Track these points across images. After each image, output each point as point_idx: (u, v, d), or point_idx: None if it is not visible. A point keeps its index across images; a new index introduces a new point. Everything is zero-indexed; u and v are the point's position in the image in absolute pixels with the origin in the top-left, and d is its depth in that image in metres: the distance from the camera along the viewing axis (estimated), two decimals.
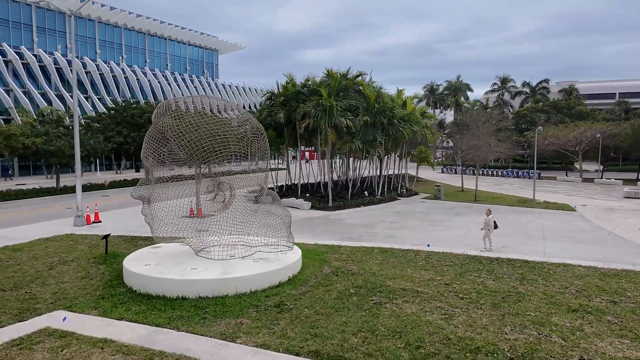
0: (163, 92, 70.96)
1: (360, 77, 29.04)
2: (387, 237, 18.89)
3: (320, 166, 33.69)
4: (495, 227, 17.32)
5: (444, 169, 62.21)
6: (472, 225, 21.03)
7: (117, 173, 58.25)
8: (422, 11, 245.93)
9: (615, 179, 45.53)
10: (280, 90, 29.80)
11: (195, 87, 78.17)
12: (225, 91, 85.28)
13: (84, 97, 60.20)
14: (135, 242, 17.52)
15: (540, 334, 9.10)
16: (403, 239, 18.58)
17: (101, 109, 55.12)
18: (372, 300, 11.02)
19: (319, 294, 11.44)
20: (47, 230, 19.84)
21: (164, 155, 12.60)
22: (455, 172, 61.38)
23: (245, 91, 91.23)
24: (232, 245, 13.67)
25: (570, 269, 13.72)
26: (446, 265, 14.13)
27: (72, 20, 23.34)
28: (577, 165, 62.53)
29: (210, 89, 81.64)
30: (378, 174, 32.69)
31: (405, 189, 33.17)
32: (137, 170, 61.40)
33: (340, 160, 37.66)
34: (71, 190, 35.86)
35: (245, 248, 13.62)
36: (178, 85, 74.88)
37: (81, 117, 51.27)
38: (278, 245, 13.94)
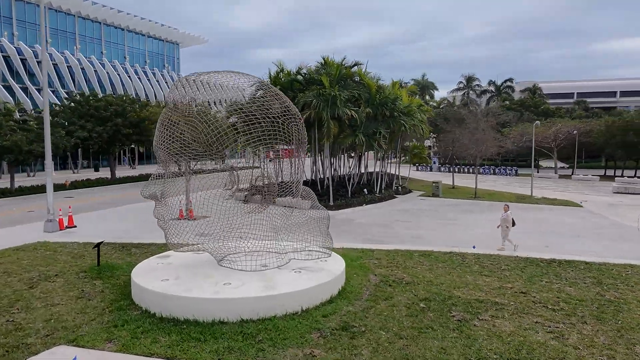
0: (123, 85, 66.24)
1: (356, 67, 27.18)
2: (413, 237, 17.18)
3: (314, 163, 31.60)
4: (513, 224, 16.00)
5: (419, 167, 61.60)
6: (492, 224, 19.64)
7: (74, 172, 53.52)
8: (377, 13, 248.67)
9: (592, 175, 46.24)
10: (271, 80, 27.43)
11: (157, 80, 73.72)
12: (190, 86, 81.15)
13: (36, 90, 54.93)
14: (128, 250, 14.83)
15: None
16: (430, 239, 16.92)
17: (55, 101, 50.28)
18: (453, 316, 9.18)
19: (384, 311, 9.47)
20: (13, 239, 16.63)
21: (185, 143, 10.17)
22: (431, 170, 60.94)
23: (210, 87, 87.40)
24: (261, 252, 11.40)
25: None
26: (503, 269, 12.52)
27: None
28: (542, 163, 63.94)
29: (174, 83, 77.35)
30: (376, 171, 31.02)
31: (401, 187, 31.69)
32: (97, 170, 56.77)
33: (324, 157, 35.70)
34: (29, 191, 31.89)
35: (279, 255, 11.39)
36: (139, 78, 70.27)
37: (33, 110, 46.46)
38: (314, 251, 11.85)
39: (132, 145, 53.03)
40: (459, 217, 21.86)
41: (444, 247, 15.17)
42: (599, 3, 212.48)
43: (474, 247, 14.81)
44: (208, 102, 11.57)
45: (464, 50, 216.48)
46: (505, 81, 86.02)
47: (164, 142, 10.50)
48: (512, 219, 16.07)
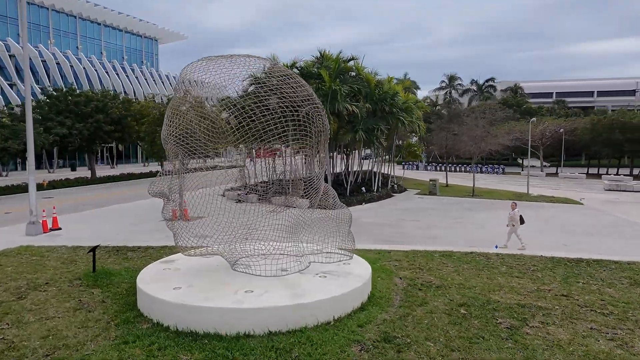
0: (100, 81, 63.79)
1: (352, 61, 26.31)
2: (428, 238, 16.47)
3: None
4: (522, 222, 15.49)
5: (405, 165, 61.28)
6: (501, 222, 19.09)
7: (50, 172, 51.14)
8: (352, 13, 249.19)
9: (578, 173, 46.65)
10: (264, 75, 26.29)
11: (136, 77, 71.36)
12: (170, 82, 78.94)
13: (8, 85, 52.25)
14: (124, 255, 13.61)
15: None
16: (444, 239, 16.23)
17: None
18: (499, 323, 8.41)
19: (423, 318, 8.63)
20: None
21: (199, 134, 9.12)
22: (417, 168, 60.72)
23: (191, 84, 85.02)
24: (278, 254, 10.41)
25: None
26: (533, 270, 11.85)
27: None
28: (522, 161, 64.52)
29: (154, 80, 75.10)
30: (372, 169, 30.23)
31: (397, 185, 31.01)
32: (74, 169, 54.45)
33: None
34: (3, 192, 29.94)
35: (298, 258, 10.41)
36: (117, 74, 67.85)
37: (5, 107, 44.01)
38: (335, 253, 10.94)
39: (112, 144, 51.05)
40: (464, 215, 21.26)
41: (462, 246, 14.48)
42: (566, 8, 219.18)
43: (496, 246, 14.13)
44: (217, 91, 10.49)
45: (438, 52, 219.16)
46: (487, 80, 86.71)
47: (173, 134, 9.41)
48: (521, 217, 15.56)
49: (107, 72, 66.14)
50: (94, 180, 36.37)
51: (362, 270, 10.26)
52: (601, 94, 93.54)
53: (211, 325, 7.90)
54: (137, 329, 8.17)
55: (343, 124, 23.43)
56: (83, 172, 48.49)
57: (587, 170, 53.67)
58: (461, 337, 7.79)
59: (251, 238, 9.79)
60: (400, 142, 34.53)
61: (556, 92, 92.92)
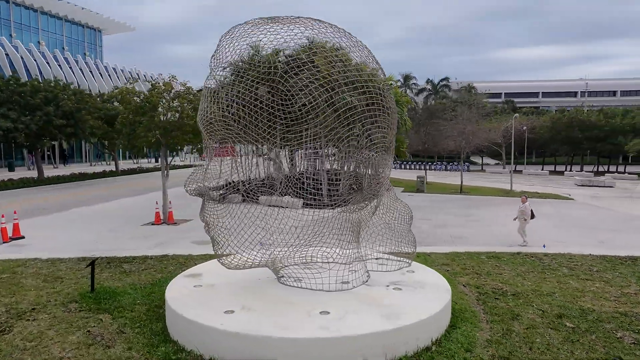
0: (40, 71, 57.90)
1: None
2: (454, 237, 15.22)
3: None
4: (532, 216, 14.77)
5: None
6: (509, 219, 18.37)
7: None
8: (296, 13, 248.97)
9: (541, 170, 47.93)
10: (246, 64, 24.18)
11: (80, 68, 65.66)
12: (117, 76, 73.55)
13: None
14: (119, 267, 11.23)
15: None
16: (471, 238, 15.12)
17: None
18: (622, 338, 7.21)
19: (530, 335, 7.27)
20: None
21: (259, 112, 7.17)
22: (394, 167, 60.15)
23: (140, 77, 79.32)
24: (329, 262, 8.60)
25: None
26: (596, 271, 10.89)
27: None
28: (473, 159, 65.85)
29: (100, 72, 69.60)
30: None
31: None
32: (11, 169, 48.87)
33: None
34: None
35: (357, 267, 8.68)
36: (60, 65, 62.01)
37: None
38: (393, 259, 9.38)
39: (57, 142, 46.29)
40: (469, 213, 20.35)
41: (498, 246, 13.38)
42: (496, 17, 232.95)
43: (544, 246, 13.11)
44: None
45: (380, 53, 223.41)
46: (442, 80, 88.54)
47: (215, 114, 7.41)
48: (532, 211, 14.79)
49: (47, 63, 60.28)
50: (42, 181, 32.28)
51: (435, 279, 8.77)
52: (545, 94, 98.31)
53: None
54: None
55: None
56: (22, 172, 43.50)
57: (542, 167, 55.49)
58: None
59: (315, 244, 7.96)
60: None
61: (505, 93, 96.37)
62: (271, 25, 7.56)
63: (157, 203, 17.79)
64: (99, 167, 53.83)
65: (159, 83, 16.41)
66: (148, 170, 49.59)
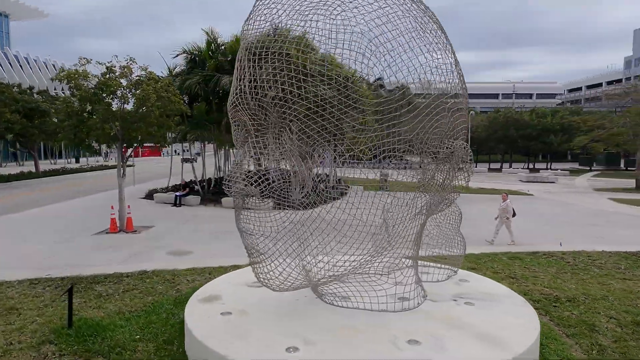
0: None
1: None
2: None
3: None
4: (514, 214, 14.62)
5: None
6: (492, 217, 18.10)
7: None
8: (214, 11, 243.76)
9: (480, 168, 49.74)
10: (201, 54, 21.92)
11: None
12: (29, 64, 65.86)
13: None
14: (93, 290, 8.97)
15: None
16: (473, 236, 14.39)
17: None
18: None
19: (622, 348, 6.40)
20: None
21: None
22: None
23: (47, 67, 71.10)
24: (371, 274, 7.19)
25: None
26: (624, 269, 10.52)
27: None
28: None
29: (9, 61, 61.85)
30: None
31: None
32: None
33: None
34: None
35: (414, 281, 7.36)
36: None
37: None
38: (441, 267, 8.23)
39: None
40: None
41: (503, 246, 12.77)
42: None
43: (560, 244, 12.62)
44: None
45: None
46: (377, 79, 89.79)
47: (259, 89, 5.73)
48: (513, 209, 14.54)
49: None
50: None
51: (498, 288, 7.70)
52: (471, 96, 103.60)
53: None
54: None
55: None
56: None
57: (476, 165, 57.94)
58: None
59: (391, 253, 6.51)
60: None
61: None
62: None
63: (112, 208, 15.17)
64: (11, 169, 47.62)
65: (114, 66, 13.89)
66: (72, 171, 44.56)
